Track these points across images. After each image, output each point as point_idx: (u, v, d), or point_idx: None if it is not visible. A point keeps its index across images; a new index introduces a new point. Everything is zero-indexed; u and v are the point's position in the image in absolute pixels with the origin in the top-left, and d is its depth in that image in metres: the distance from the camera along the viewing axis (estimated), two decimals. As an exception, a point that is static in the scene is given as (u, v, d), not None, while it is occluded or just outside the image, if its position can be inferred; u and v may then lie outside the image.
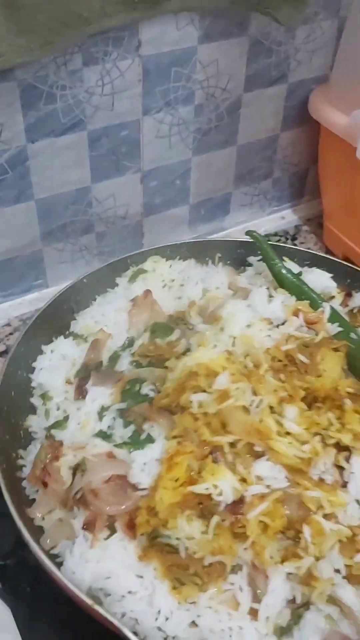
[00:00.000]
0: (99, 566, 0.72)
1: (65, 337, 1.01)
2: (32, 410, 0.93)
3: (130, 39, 1.05)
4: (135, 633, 0.66)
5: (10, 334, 1.21)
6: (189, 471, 0.74)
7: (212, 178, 1.34)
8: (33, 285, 1.26)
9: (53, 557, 0.75)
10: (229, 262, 1.16)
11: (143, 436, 0.81)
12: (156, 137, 1.20)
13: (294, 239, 1.48)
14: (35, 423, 0.91)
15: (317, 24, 1.23)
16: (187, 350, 0.92)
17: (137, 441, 0.81)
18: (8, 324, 1.23)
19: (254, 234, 1.09)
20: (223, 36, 1.14)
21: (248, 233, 1.10)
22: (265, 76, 1.25)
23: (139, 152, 1.20)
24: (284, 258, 1.10)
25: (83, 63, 1.03)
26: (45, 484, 0.80)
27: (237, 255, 1.17)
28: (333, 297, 1.07)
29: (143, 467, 0.77)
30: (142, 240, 1.35)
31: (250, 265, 1.15)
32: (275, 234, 1.48)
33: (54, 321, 1.01)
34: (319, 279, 1.10)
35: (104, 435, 0.83)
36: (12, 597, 0.81)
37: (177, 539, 0.72)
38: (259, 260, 1.14)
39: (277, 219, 1.51)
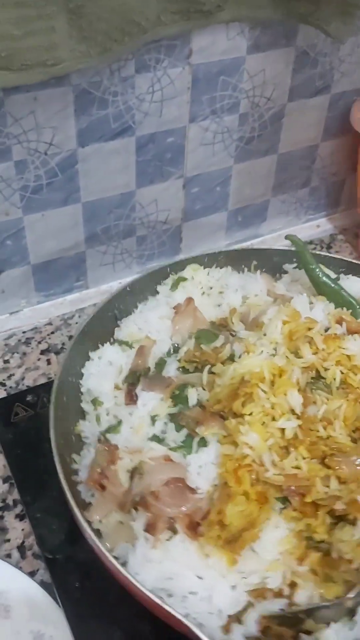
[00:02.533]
0: (162, 566, 0.73)
1: (111, 344, 1.02)
2: (82, 415, 0.94)
3: (182, 47, 1.06)
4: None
5: (52, 332, 1.23)
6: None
7: (251, 186, 1.36)
8: (74, 286, 1.29)
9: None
10: (264, 269, 1.17)
11: (196, 439, 0.82)
12: (200, 145, 1.22)
13: (329, 247, 1.49)
14: (87, 428, 0.92)
15: (362, 37, 1.24)
16: (232, 356, 0.94)
17: (191, 445, 0.82)
18: (50, 323, 1.25)
19: (294, 238, 1.11)
20: (271, 46, 1.15)
21: (288, 237, 1.11)
22: (309, 86, 1.26)
23: (183, 159, 1.22)
24: (320, 265, 1.11)
25: (135, 70, 1.05)
26: (103, 487, 0.81)
27: (273, 263, 1.18)
28: None
29: (199, 470, 0.79)
30: (180, 245, 1.36)
31: (285, 272, 1.17)
32: (310, 242, 1.49)
33: (99, 328, 1.02)
34: (356, 286, 1.11)
35: (158, 440, 0.85)
36: (61, 592, 0.83)
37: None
38: (294, 268, 1.16)
39: (313, 227, 1.52)
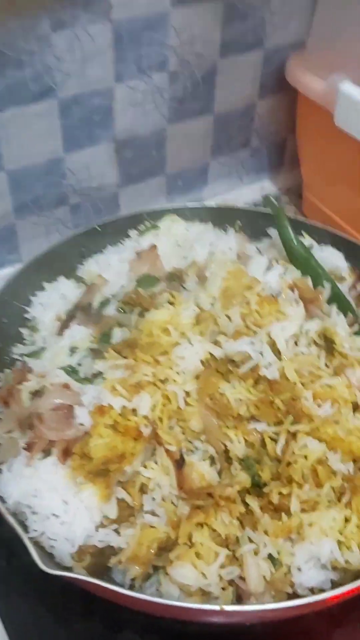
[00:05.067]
0: (29, 483, 0.76)
1: (67, 279, 1.05)
2: (21, 339, 0.99)
3: (100, 2, 1.01)
4: (52, 555, 0.72)
5: (-15, 308, 1.19)
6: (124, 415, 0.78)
7: (188, 148, 1.32)
8: (7, 260, 1.24)
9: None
10: (249, 231, 1.15)
11: (96, 370, 0.84)
12: (130, 105, 1.17)
13: (273, 209, 1.46)
14: (20, 351, 0.97)
15: (293, -13, 1.20)
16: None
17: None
18: (-18, 300, 1.21)
19: (270, 198, 1.08)
20: (196, 0, 1.11)
21: (265, 198, 1.09)
22: (241, 41, 1.22)
23: (112, 121, 1.17)
24: (303, 233, 1.09)
25: (51, 28, 1.00)
26: (7, 404, 0.84)
27: (259, 225, 1.15)
28: (344, 278, 1.05)
29: (91, 400, 0.80)
30: (118, 212, 1.32)
31: (269, 237, 1.14)
32: (255, 205, 1.46)
33: (61, 262, 1.05)
34: (331, 258, 1.08)
35: (72, 370, 0.87)
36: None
37: None
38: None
39: (256, 190, 1.49)
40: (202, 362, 0.82)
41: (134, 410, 0.78)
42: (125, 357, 0.82)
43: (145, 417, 0.78)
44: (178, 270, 1.02)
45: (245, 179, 1.47)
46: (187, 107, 1.24)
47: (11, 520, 0.71)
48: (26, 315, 1.01)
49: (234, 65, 1.24)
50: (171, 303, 0.89)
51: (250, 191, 1.48)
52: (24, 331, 1.00)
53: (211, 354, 0.82)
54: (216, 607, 0.65)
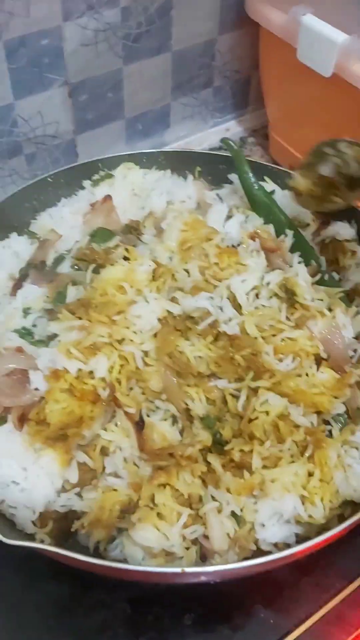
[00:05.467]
0: None
1: (19, 235, 0.99)
2: None
3: None
4: (13, 523, 0.70)
5: None
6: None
7: (147, 89, 1.25)
8: None
9: None
10: (210, 177, 1.10)
11: (51, 332, 0.80)
12: (81, 46, 1.10)
13: (239, 152, 1.41)
14: None
15: None
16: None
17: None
18: None
19: (228, 141, 1.02)
20: None
21: (223, 140, 1.03)
22: (197, -29, 1.14)
23: (63, 63, 1.10)
24: (266, 178, 1.04)
25: None
26: None
27: (219, 170, 1.09)
28: (308, 224, 1.01)
29: (47, 364, 0.77)
30: (76, 161, 1.26)
31: (231, 182, 1.08)
32: (220, 148, 1.40)
33: (12, 217, 0.99)
34: (293, 204, 1.03)
35: (26, 332, 0.83)
36: None
37: None
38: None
39: (221, 132, 1.43)
40: (159, 320, 0.79)
41: (90, 373, 0.76)
42: (79, 318, 0.79)
43: (103, 380, 0.76)
44: (134, 222, 0.98)
45: (209, 120, 1.41)
46: (143, 46, 1.17)
47: None
48: None
49: (190, -2, 1.17)
50: (126, 258, 0.85)
51: (215, 134, 1.42)
52: None
53: (169, 312, 0.80)
54: (177, 570, 0.65)
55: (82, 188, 1.06)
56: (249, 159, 1.06)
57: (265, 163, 1.12)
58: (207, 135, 1.42)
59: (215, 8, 1.21)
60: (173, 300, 0.81)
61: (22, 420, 0.75)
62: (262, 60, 1.27)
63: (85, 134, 1.23)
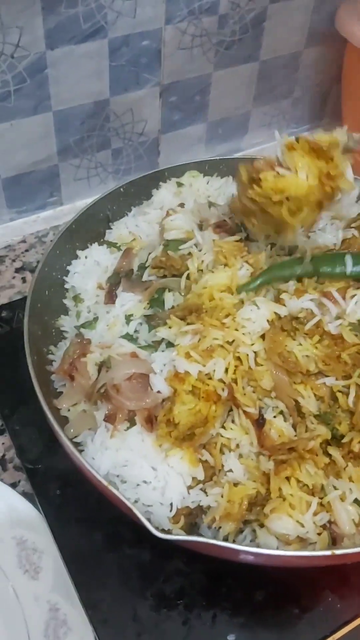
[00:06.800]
0: (118, 454, 0.76)
1: (99, 245, 1.02)
2: (65, 310, 0.96)
3: None
4: (149, 520, 0.70)
5: (26, 250, 1.20)
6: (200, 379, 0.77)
7: (231, 95, 1.30)
8: (48, 202, 1.24)
9: (76, 445, 0.79)
10: None
11: (159, 337, 0.83)
12: (178, 49, 1.15)
13: (311, 162, 1.45)
14: (67, 323, 0.94)
15: None
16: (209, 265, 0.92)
17: (159, 344, 0.83)
18: (23, 241, 1.22)
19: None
20: None
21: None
22: (293, -14, 1.19)
23: (159, 64, 1.16)
24: None
25: None
26: (72, 378, 0.83)
27: None
28: None
29: (163, 367, 0.80)
30: (157, 159, 1.32)
31: None
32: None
33: (89, 228, 1.02)
34: None
35: (130, 338, 0.86)
36: (42, 499, 0.84)
37: None
38: None
39: (295, 142, 1.48)
40: (267, 321, 0.82)
41: (207, 375, 0.78)
42: (189, 323, 0.81)
43: (221, 381, 0.78)
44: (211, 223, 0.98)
45: (285, 130, 1.45)
46: (234, 53, 1.23)
47: (117, 493, 0.70)
48: (65, 286, 0.98)
49: (283, 10, 1.22)
50: (224, 264, 0.87)
51: (289, 143, 1.46)
52: (67, 302, 0.96)
53: (276, 313, 0.82)
54: (327, 553, 0.68)
55: (150, 196, 1.08)
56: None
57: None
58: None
59: (306, 22, 1.26)
60: (279, 301, 0.83)
61: (149, 422, 0.78)
62: (345, 75, 1.31)
63: (170, 134, 1.29)
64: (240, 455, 0.78)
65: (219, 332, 0.79)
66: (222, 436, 0.78)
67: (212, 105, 1.29)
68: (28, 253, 1.20)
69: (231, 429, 0.78)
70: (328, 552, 0.69)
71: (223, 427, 0.78)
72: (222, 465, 0.78)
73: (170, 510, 0.75)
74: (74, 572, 0.80)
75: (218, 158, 1.12)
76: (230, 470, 0.76)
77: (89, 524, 0.83)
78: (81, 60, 1.07)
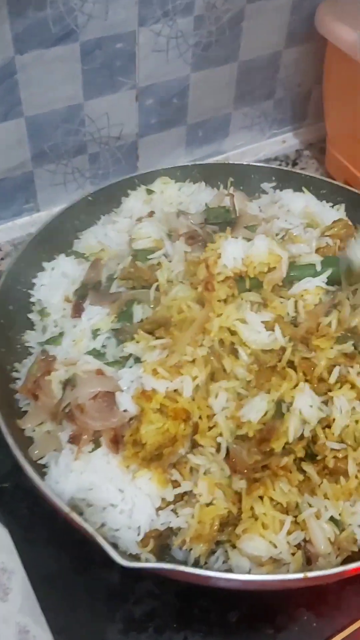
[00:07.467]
0: (82, 477, 0.74)
1: (67, 255, 0.99)
2: (30, 325, 0.93)
3: None
4: (116, 545, 0.68)
5: (2, 259, 1.18)
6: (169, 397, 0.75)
7: (211, 97, 1.28)
8: (23, 209, 1.22)
9: (41, 467, 0.77)
10: (241, 187, 1.11)
11: (126, 353, 0.80)
12: (153, 51, 1.13)
13: (294, 164, 1.43)
14: (32, 338, 0.91)
15: None
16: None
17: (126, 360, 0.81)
18: (-1, 249, 1.20)
19: None
20: None
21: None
22: (271, -15, 1.17)
23: (134, 67, 1.13)
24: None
25: (75, -35, 0.95)
26: (35, 397, 0.80)
27: (251, 181, 1.12)
28: None
29: (130, 384, 0.77)
30: (136, 163, 1.29)
31: (265, 192, 1.11)
32: (276, 159, 1.43)
33: (56, 239, 0.99)
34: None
35: (97, 354, 0.83)
36: (9, 518, 0.81)
37: None
38: (271, 187, 1.11)
39: (278, 143, 1.45)
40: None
41: (175, 391, 0.76)
42: (157, 337, 0.79)
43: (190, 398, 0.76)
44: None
45: (267, 132, 1.43)
46: (212, 55, 1.20)
47: (79, 520, 0.68)
48: (31, 299, 0.95)
49: (261, 10, 1.19)
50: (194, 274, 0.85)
51: (272, 144, 1.44)
52: (33, 317, 0.94)
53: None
54: (299, 576, 0.66)
55: (119, 204, 1.06)
56: (304, 172, 1.10)
57: (320, 177, 1.15)
58: (263, 145, 1.44)
59: (285, 22, 1.24)
60: None
61: (115, 442, 0.75)
62: (327, 75, 1.29)
63: (148, 137, 1.26)
64: (211, 476, 0.75)
65: (189, 348, 0.77)
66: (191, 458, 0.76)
67: (191, 107, 1.27)
68: (3, 261, 1.18)
69: (201, 454, 0.76)
70: (300, 576, 0.67)
71: (192, 452, 0.76)
72: (195, 485, 0.75)
73: (138, 535, 0.73)
74: (42, 594, 0.77)
75: (190, 164, 1.11)
76: (201, 495, 0.74)
77: (57, 544, 0.81)
78: (52, 64, 1.04)
